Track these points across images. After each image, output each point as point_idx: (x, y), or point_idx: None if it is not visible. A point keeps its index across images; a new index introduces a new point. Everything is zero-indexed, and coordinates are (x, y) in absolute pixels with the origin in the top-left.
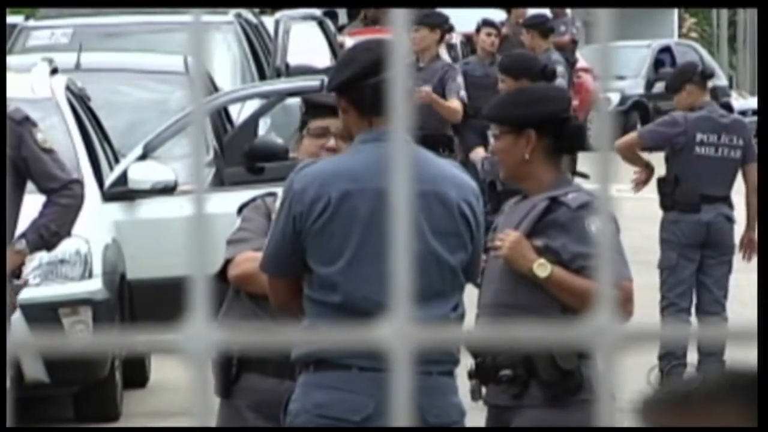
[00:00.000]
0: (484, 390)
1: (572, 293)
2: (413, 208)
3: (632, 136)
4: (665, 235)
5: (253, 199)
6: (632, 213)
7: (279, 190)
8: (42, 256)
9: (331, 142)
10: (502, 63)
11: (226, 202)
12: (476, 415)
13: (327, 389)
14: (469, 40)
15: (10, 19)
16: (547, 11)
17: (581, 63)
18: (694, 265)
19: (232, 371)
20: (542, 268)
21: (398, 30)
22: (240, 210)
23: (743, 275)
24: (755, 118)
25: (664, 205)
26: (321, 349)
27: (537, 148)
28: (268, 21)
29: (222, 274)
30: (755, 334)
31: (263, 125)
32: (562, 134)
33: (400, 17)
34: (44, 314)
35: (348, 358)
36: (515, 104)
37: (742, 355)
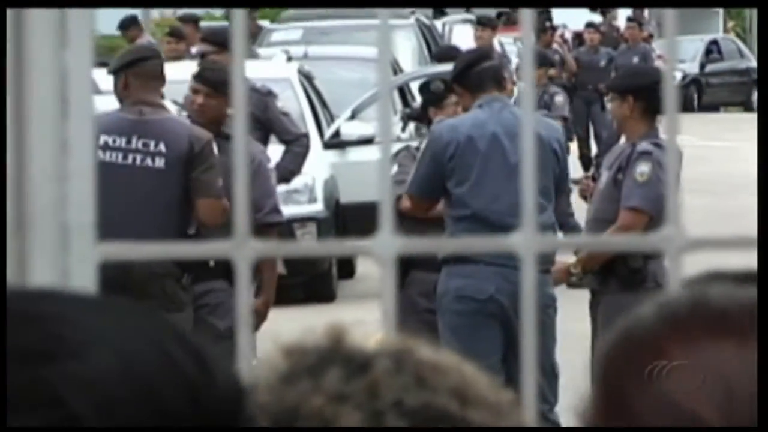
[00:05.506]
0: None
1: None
2: (515, 146)
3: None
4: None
5: (406, 147)
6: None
7: (414, 144)
8: (281, 188)
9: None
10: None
11: None
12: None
13: (463, 277)
14: (577, 36)
15: (260, 22)
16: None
17: (658, 51)
18: None
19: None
20: (573, 267)
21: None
22: (396, 154)
23: None
24: None
25: None
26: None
27: (634, 108)
28: (439, 24)
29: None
30: None
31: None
32: (653, 99)
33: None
34: (282, 228)
35: (477, 256)
36: (621, 77)
37: None
